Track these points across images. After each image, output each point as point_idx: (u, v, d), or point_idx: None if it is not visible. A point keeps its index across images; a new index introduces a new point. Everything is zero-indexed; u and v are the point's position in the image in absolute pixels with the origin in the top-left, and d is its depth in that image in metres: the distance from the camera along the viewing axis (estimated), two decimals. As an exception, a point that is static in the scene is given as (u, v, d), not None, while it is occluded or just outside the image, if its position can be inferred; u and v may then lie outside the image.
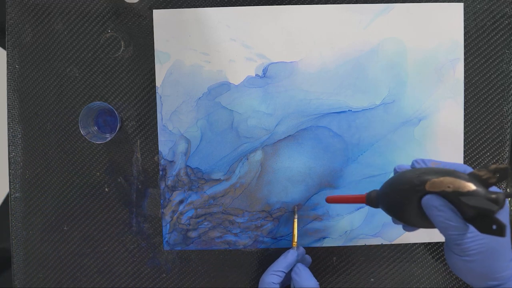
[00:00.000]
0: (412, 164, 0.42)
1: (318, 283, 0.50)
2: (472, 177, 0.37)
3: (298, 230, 0.58)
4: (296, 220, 0.55)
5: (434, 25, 0.57)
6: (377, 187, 0.58)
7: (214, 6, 0.57)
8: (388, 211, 0.42)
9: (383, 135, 0.58)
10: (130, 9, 0.57)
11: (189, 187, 0.58)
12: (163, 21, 0.57)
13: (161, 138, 0.58)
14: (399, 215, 0.41)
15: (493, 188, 0.37)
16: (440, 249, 0.59)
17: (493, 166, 0.35)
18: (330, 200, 0.50)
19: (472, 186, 0.36)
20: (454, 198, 0.36)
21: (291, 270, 0.52)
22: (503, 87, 0.58)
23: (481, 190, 0.36)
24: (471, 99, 0.58)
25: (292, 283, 0.51)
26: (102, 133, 0.58)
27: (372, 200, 0.44)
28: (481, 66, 0.57)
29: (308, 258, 0.56)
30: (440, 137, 0.58)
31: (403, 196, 0.39)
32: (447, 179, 0.37)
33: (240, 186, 0.58)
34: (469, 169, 0.39)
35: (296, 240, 0.54)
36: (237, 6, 0.57)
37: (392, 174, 0.58)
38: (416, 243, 0.59)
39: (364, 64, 0.57)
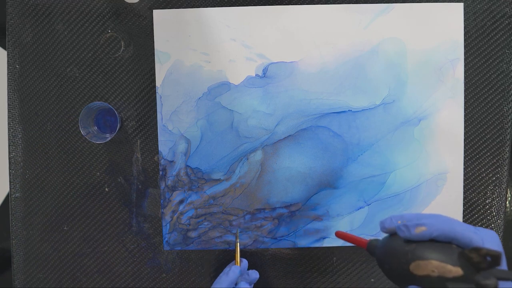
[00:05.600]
0: (397, 230, 0.37)
1: None
2: (463, 258, 0.34)
3: (298, 230, 0.58)
4: (238, 244, 0.55)
5: (434, 25, 0.57)
6: (377, 187, 0.58)
7: (214, 6, 0.57)
8: (384, 272, 0.40)
9: (383, 135, 0.58)
10: (130, 9, 0.57)
11: (189, 187, 0.58)
12: (163, 21, 0.57)
13: (161, 138, 0.58)
14: (390, 279, 0.39)
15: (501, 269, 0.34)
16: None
17: (484, 251, 0.32)
18: (338, 235, 0.49)
19: (459, 271, 0.33)
20: (440, 283, 0.34)
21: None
22: (503, 87, 0.58)
23: (469, 275, 0.33)
24: (471, 99, 0.58)
25: None
26: (102, 133, 0.58)
27: (372, 249, 0.42)
28: (481, 66, 0.57)
29: (254, 274, 0.53)
30: (440, 137, 0.58)
31: (391, 270, 0.38)
32: (433, 263, 0.34)
33: (240, 186, 0.58)
34: (461, 230, 0.35)
35: (238, 260, 0.53)
36: (237, 6, 0.57)
37: (392, 175, 0.58)
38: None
39: (364, 64, 0.57)
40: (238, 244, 0.55)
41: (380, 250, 0.39)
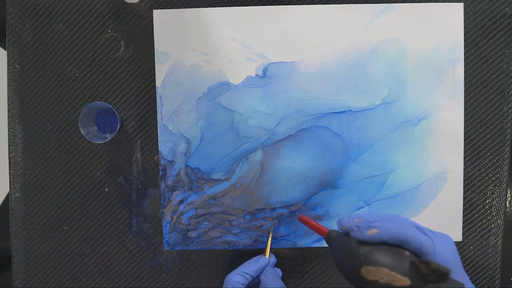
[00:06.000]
0: (350, 230, 0.38)
1: (285, 286, 0.51)
2: (413, 268, 0.34)
3: (298, 231, 0.58)
4: (270, 237, 0.56)
5: (434, 25, 0.57)
6: (377, 187, 0.58)
7: (214, 6, 0.57)
8: (336, 265, 0.41)
9: (383, 135, 0.58)
10: (130, 9, 0.57)
11: (189, 187, 0.58)
12: (163, 21, 0.57)
13: (161, 138, 0.58)
14: (341, 273, 0.40)
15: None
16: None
17: (433, 265, 0.32)
18: (301, 219, 0.50)
19: (407, 281, 0.34)
20: None
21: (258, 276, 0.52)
22: (503, 87, 0.58)
23: (417, 286, 0.33)
24: (471, 99, 0.58)
25: (260, 284, 0.51)
26: (102, 133, 0.58)
27: (329, 241, 0.42)
28: (481, 66, 0.57)
29: (279, 271, 0.56)
30: (440, 137, 0.58)
31: (342, 268, 0.38)
32: (382, 271, 0.34)
33: (240, 186, 0.58)
34: (412, 233, 0.36)
35: (267, 253, 0.54)
36: (237, 6, 0.57)
37: (392, 175, 0.58)
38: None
39: (364, 64, 0.57)
40: (270, 238, 0.56)
41: (336, 245, 0.40)
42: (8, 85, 0.58)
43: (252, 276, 0.51)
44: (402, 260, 0.35)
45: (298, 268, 0.59)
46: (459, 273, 0.36)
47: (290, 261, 0.59)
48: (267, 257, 0.54)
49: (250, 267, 0.51)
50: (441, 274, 0.32)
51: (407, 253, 0.36)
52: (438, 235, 0.37)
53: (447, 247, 0.36)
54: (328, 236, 0.42)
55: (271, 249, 0.59)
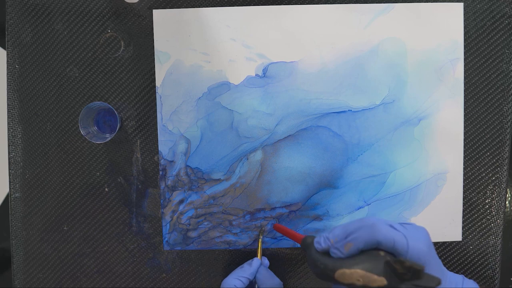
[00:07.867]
0: (331, 253, 0.38)
1: (281, 282, 0.53)
2: (388, 268, 0.34)
3: (297, 231, 0.58)
4: (261, 240, 0.57)
5: (434, 25, 0.57)
6: (377, 187, 0.58)
7: (214, 6, 0.57)
8: (311, 270, 0.41)
9: (383, 135, 0.58)
10: (130, 9, 0.57)
11: (189, 187, 0.58)
12: (163, 21, 0.57)
13: (161, 138, 0.58)
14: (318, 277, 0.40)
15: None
16: (439, 249, 0.59)
17: (407, 264, 0.33)
18: (276, 228, 0.52)
19: (383, 281, 0.34)
20: None
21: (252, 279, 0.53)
22: (503, 87, 0.58)
23: (393, 285, 0.34)
24: (471, 99, 0.58)
25: (256, 284, 0.52)
26: (102, 133, 0.58)
27: (306, 246, 0.42)
28: (481, 66, 0.57)
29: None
30: (440, 137, 0.58)
31: (317, 274, 0.39)
32: (358, 272, 0.35)
33: (240, 186, 0.58)
34: (384, 233, 0.36)
35: (259, 254, 0.55)
36: (237, 6, 0.57)
37: (391, 174, 0.58)
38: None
39: (364, 64, 0.57)
40: (261, 239, 0.57)
41: (311, 251, 0.40)
42: (7, 85, 0.58)
43: (249, 279, 0.51)
44: (377, 261, 0.35)
45: (298, 268, 0.59)
46: (434, 263, 0.37)
47: (290, 261, 0.59)
48: (260, 258, 0.54)
49: (245, 271, 0.52)
50: (416, 271, 0.33)
51: (382, 253, 0.36)
52: (411, 228, 0.38)
53: (421, 240, 0.37)
54: (303, 242, 0.42)
55: (268, 249, 0.59)
